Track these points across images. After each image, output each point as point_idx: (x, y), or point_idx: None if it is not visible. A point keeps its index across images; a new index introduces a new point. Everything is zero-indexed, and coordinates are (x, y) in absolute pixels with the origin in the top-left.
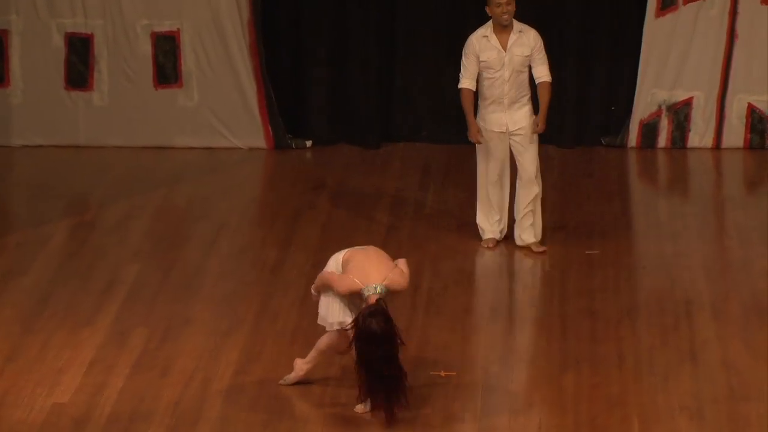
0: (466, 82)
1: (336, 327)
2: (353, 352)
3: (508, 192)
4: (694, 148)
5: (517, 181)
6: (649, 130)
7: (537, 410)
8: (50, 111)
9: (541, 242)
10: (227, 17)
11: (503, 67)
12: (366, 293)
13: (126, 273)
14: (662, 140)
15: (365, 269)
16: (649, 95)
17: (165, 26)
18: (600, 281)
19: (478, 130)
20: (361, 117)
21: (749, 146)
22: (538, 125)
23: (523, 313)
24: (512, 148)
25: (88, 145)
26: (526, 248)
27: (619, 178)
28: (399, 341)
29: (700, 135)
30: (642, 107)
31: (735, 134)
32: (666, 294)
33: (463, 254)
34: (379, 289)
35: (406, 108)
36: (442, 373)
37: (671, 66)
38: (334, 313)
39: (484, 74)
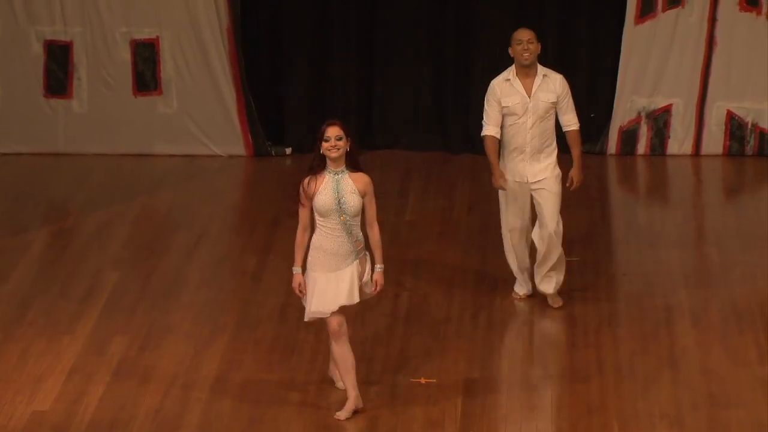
0: (490, 129)
1: (307, 317)
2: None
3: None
4: (673, 155)
5: (538, 233)
6: (629, 137)
7: (517, 417)
8: (29, 118)
9: (559, 292)
10: (206, 25)
11: (526, 113)
12: None
13: (106, 280)
14: (641, 147)
15: None
16: (629, 102)
17: (144, 34)
18: (580, 288)
19: (502, 175)
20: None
21: (728, 153)
22: (573, 181)
23: (503, 320)
24: (533, 201)
25: (67, 152)
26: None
27: (598, 184)
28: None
29: (679, 142)
30: (621, 114)
31: (714, 141)
32: (646, 301)
33: (443, 261)
34: None
35: (385, 116)
36: (422, 380)
37: (650, 73)
38: (309, 303)
39: (507, 120)
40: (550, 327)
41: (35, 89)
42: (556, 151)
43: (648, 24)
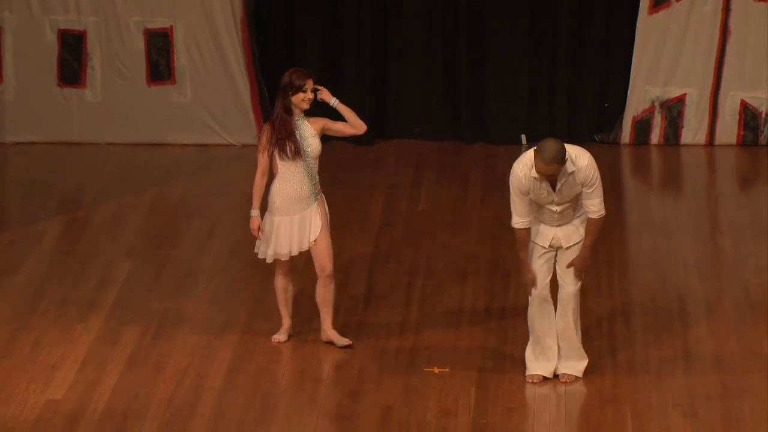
0: (519, 222)
1: (269, 258)
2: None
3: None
4: (687, 145)
5: (558, 304)
6: (642, 126)
7: (530, 406)
8: (43, 108)
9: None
10: (220, 14)
11: (553, 203)
12: None
13: (119, 270)
14: (655, 137)
15: None
16: (642, 92)
17: (158, 23)
18: (593, 278)
19: (533, 274)
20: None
21: (742, 143)
22: (573, 266)
23: (517, 309)
24: (556, 261)
25: (81, 142)
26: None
27: (612, 174)
28: None
29: (693, 132)
30: (635, 104)
31: (728, 131)
32: (659, 291)
33: (456, 251)
34: None
35: (398, 105)
36: (436, 370)
37: (664, 62)
38: (265, 245)
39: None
40: None
41: (49, 78)
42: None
43: (662, 14)
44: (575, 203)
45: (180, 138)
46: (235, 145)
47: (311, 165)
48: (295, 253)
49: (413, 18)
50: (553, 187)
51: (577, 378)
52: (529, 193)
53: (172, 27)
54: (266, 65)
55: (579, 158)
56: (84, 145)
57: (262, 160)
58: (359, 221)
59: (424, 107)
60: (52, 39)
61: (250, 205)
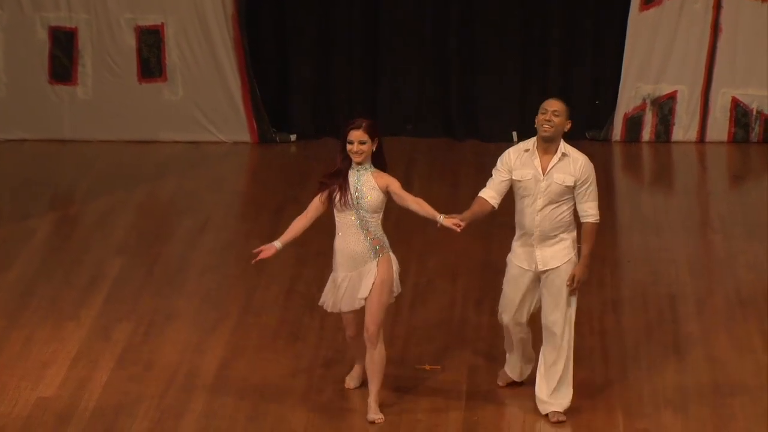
0: (485, 192)
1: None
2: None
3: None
4: (678, 142)
5: (543, 333)
6: (634, 123)
7: (521, 403)
8: (34, 105)
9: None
10: (211, 11)
11: (538, 193)
12: None
13: (110, 267)
14: (646, 134)
15: None
16: (634, 89)
17: (149, 20)
18: None
19: (460, 220)
20: (344, 111)
21: (733, 140)
22: (575, 279)
23: None
24: (541, 293)
25: (72, 139)
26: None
27: (603, 171)
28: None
29: (684, 129)
30: (626, 101)
31: (719, 128)
32: (650, 287)
33: (448, 248)
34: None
35: (390, 103)
36: (427, 367)
37: (655, 60)
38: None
39: (517, 197)
40: None
41: (40, 76)
42: (573, 234)
43: (653, 11)
44: (558, 213)
45: (171, 135)
46: (226, 142)
47: (367, 219)
48: (344, 309)
49: (405, 16)
50: (543, 170)
51: (564, 414)
52: (512, 172)
53: (163, 24)
54: (257, 62)
55: (578, 152)
56: (75, 143)
57: (311, 203)
58: None
59: (415, 105)
60: (43, 36)
61: (241, 203)
